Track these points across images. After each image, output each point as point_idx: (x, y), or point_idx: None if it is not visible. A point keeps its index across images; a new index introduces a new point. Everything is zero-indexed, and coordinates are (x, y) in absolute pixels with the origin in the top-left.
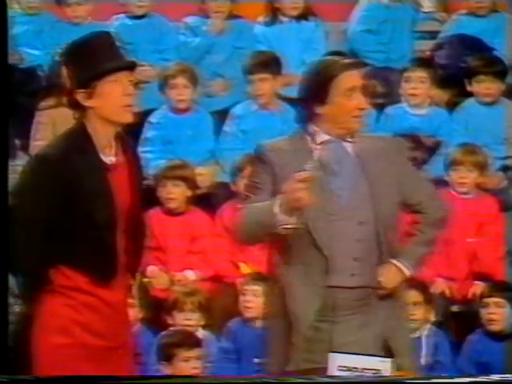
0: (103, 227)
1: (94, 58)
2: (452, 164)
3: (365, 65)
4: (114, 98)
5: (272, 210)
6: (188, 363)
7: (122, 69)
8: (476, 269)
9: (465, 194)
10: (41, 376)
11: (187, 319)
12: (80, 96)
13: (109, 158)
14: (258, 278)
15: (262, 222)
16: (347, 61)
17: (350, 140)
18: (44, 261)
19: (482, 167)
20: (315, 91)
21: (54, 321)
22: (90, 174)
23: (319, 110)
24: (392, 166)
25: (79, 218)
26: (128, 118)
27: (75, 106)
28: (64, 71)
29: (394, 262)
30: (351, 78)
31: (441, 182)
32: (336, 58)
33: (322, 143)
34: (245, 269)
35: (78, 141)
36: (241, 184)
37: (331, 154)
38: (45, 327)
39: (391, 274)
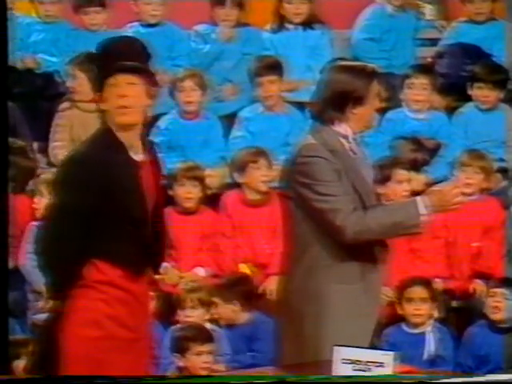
0: (136, 222)
1: (103, 63)
2: (459, 166)
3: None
4: (112, 100)
5: (417, 210)
6: (200, 357)
7: (120, 71)
8: (479, 269)
9: (470, 195)
10: (41, 376)
11: (197, 314)
12: (96, 100)
13: (137, 155)
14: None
15: (402, 222)
16: (370, 64)
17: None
18: (80, 256)
19: (488, 172)
20: (357, 93)
21: (86, 314)
22: (123, 171)
23: (356, 110)
24: None
25: (116, 214)
26: (123, 120)
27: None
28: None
29: None
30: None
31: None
32: (363, 63)
33: (352, 140)
34: (244, 269)
35: (108, 141)
36: (247, 176)
37: (357, 148)
38: (77, 321)
39: None
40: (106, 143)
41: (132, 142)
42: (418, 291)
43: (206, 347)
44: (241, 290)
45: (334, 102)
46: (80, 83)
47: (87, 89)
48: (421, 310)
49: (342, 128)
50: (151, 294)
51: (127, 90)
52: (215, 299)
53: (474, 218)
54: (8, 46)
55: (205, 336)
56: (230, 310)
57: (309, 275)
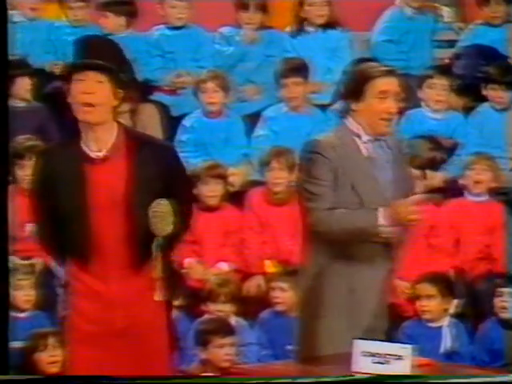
0: (77, 216)
1: (76, 57)
2: (468, 164)
3: (399, 74)
4: (76, 96)
5: (376, 220)
6: (222, 349)
7: (88, 68)
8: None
9: (478, 195)
10: (41, 376)
11: (221, 308)
12: (65, 92)
13: (95, 152)
14: (283, 273)
15: (362, 229)
16: (386, 67)
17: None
18: (58, 250)
19: (494, 171)
20: (353, 88)
21: (69, 305)
22: (68, 166)
23: (355, 106)
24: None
25: (62, 208)
26: (86, 118)
27: None
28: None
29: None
30: (386, 83)
31: (455, 189)
32: (375, 63)
33: (368, 141)
34: (269, 267)
35: (76, 136)
36: (269, 175)
37: (376, 150)
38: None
39: None
40: (65, 138)
41: (96, 138)
42: (425, 288)
43: (227, 340)
44: None
45: (341, 95)
46: None
47: None
48: (428, 306)
49: (354, 126)
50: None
51: (95, 88)
52: (281, 284)
53: (479, 220)
54: (8, 46)
55: (226, 329)
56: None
57: (318, 273)
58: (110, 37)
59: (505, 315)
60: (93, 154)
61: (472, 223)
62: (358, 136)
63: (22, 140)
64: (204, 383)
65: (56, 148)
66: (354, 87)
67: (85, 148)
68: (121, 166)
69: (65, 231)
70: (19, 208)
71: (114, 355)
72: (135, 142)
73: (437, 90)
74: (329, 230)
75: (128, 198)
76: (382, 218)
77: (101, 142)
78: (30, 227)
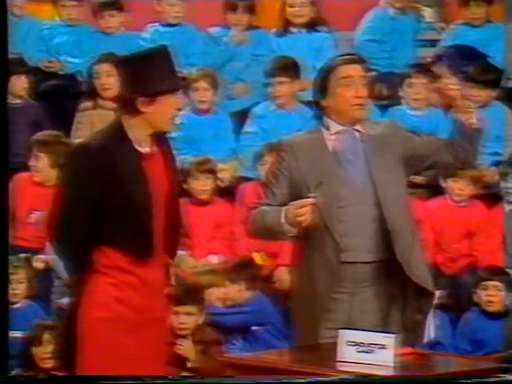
0: (140, 210)
1: (154, 73)
2: (453, 176)
3: (365, 61)
4: (166, 110)
5: (280, 219)
6: None
7: (178, 89)
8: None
9: (459, 202)
10: (40, 376)
11: (210, 299)
12: (139, 102)
13: (144, 148)
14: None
15: (271, 228)
16: (345, 56)
17: (358, 129)
18: (88, 242)
19: (477, 181)
20: (318, 85)
21: (97, 297)
22: (126, 162)
23: (324, 102)
24: (393, 144)
25: (118, 202)
26: (173, 128)
27: (123, 105)
28: (118, 76)
29: None
30: (347, 69)
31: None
32: (339, 56)
33: (336, 133)
34: (258, 259)
35: (115, 133)
36: (262, 170)
37: (344, 143)
38: (90, 303)
39: None
40: (112, 135)
41: (143, 137)
42: None
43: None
44: (247, 272)
45: (313, 98)
46: (109, 81)
47: (115, 86)
48: None
49: (326, 121)
50: (168, 279)
51: (180, 103)
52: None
53: (459, 222)
54: (7, 46)
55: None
56: (236, 290)
57: (299, 264)
58: (104, 36)
59: (491, 308)
60: (142, 150)
61: (454, 222)
62: (328, 128)
63: (44, 133)
64: (204, 383)
65: (107, 144)
66: (320, 83)
67: (136, 145)
68: (163, 161)
69: (123, 224)
70: (28, 196)
71: (144, 342)
72: (162, 138)
73: (418, 88)
74: (250, 228)
75: (173, 188)
76: (283, 217)
77: (147, 139)
78: (37, 215)
